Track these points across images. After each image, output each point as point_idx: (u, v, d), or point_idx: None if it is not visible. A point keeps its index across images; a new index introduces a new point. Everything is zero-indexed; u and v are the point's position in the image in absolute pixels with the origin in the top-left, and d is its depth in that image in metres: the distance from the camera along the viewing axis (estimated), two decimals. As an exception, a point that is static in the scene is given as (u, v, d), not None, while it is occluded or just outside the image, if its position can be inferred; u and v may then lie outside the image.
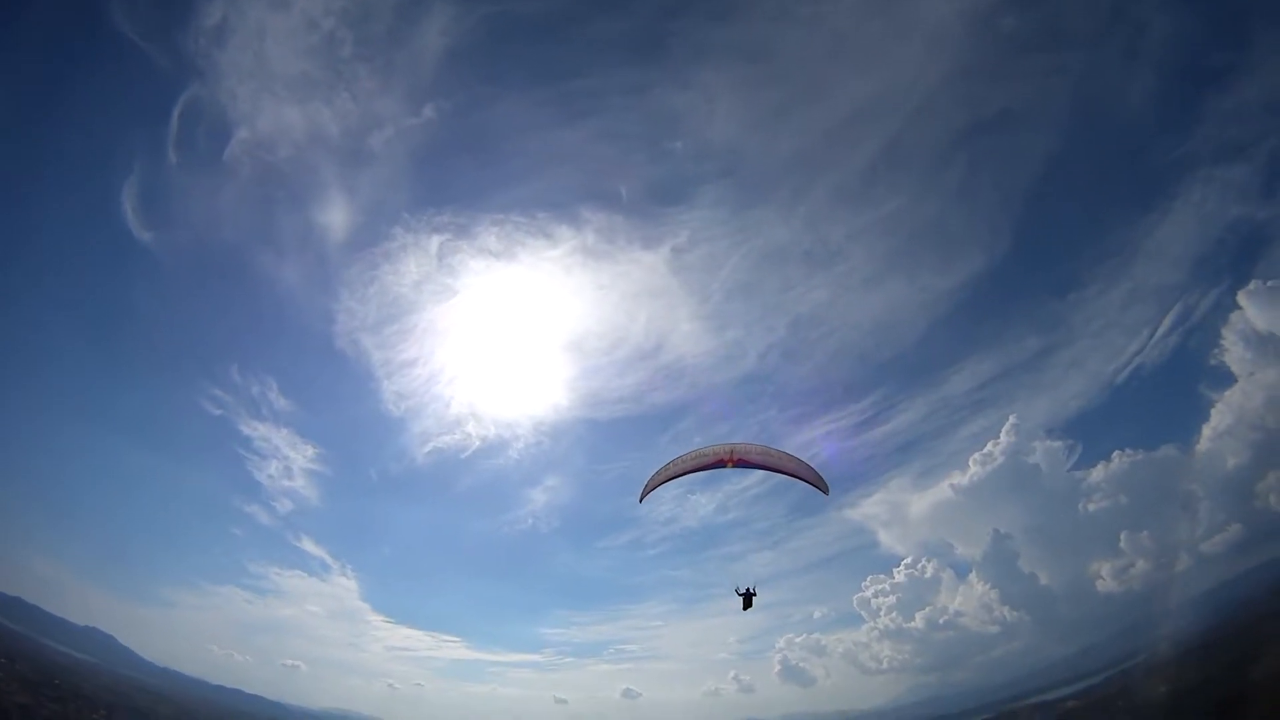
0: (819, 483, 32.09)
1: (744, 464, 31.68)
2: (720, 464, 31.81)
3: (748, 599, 32.88)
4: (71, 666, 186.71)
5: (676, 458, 31.12)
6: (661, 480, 32.06)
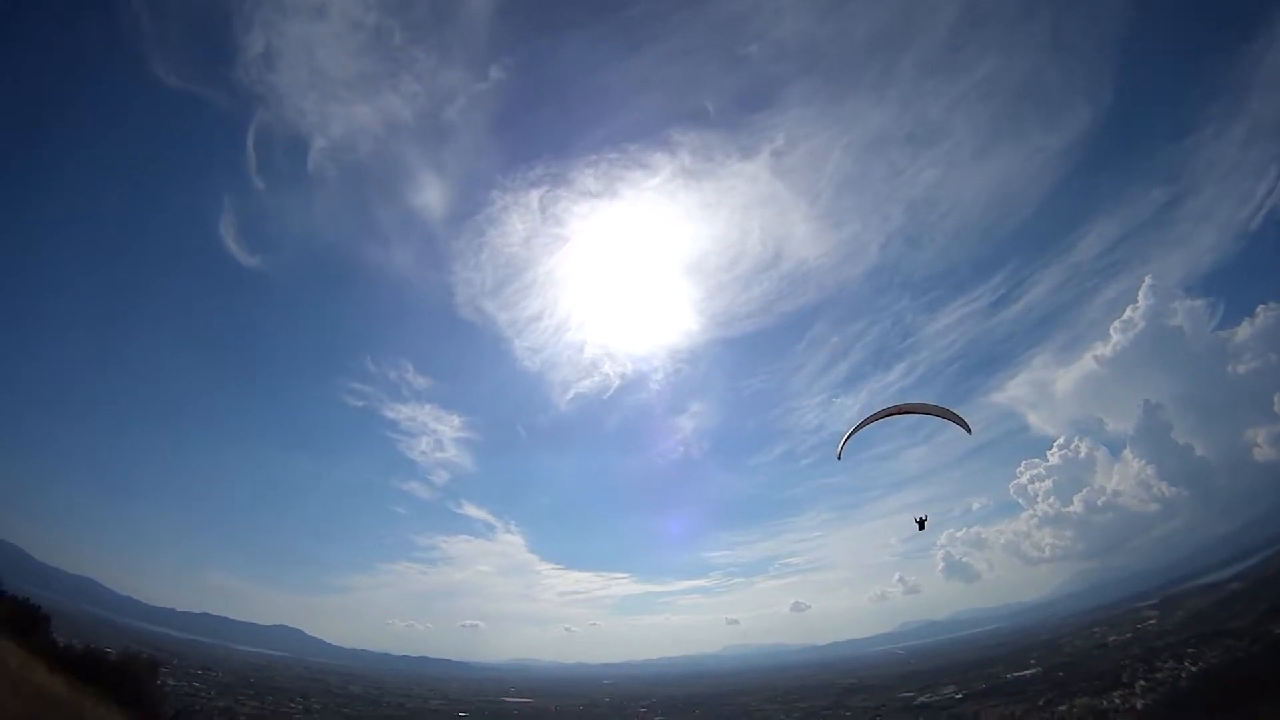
0: (964, 423, 31.89)
1: (907, 412, 32.11)
2: (890, 415, 31.71)
3: (921, 524, 33.88)
4: (264, 664, 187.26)
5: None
6: (849, 435, 31.95)
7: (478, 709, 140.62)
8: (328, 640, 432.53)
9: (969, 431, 32.51)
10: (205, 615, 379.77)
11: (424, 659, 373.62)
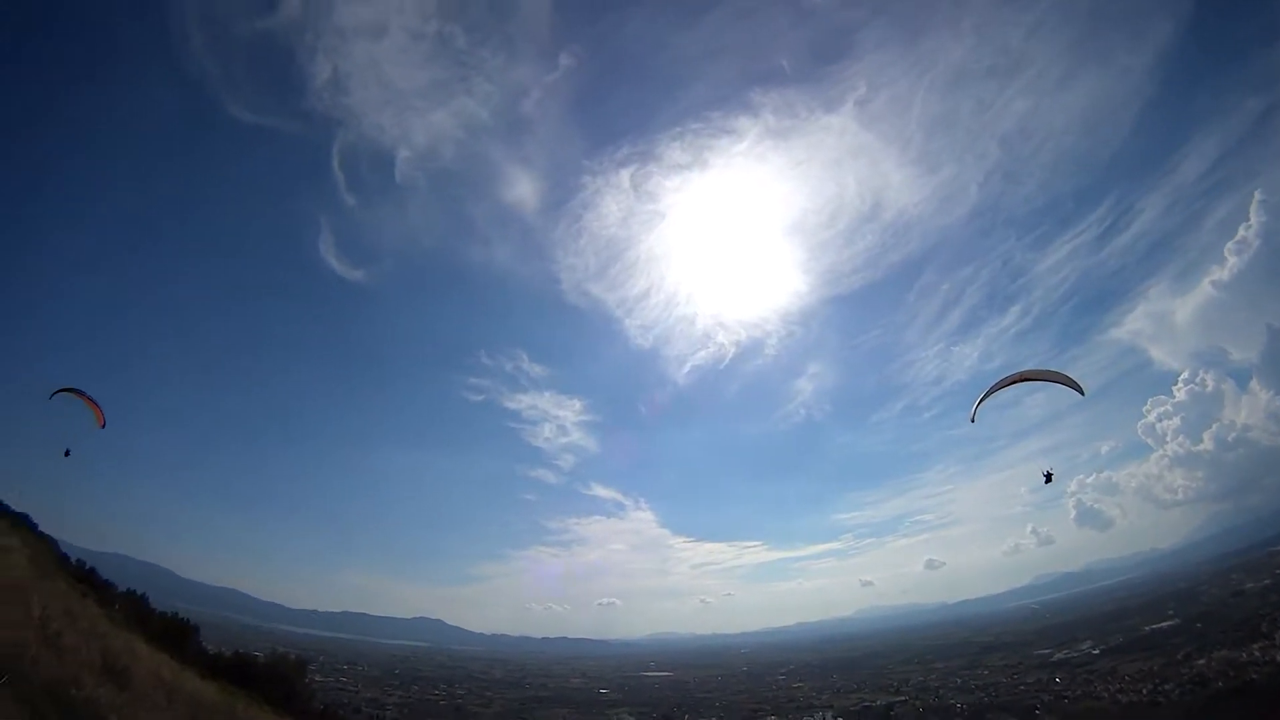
0: (1077, 385, 30.83)
1: (1027, 379, 31.48)
2: (1014, 382, 31.26)
3: (1048, 477, 32.55)
4: (408, 655, 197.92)
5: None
6: (981, 400, 31.54)
7: (618, 684, 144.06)
8: (468, 628, 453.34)
9: (1081, 394, 31.04)
10: (346, 614, 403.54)
11: (563, 639, 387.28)
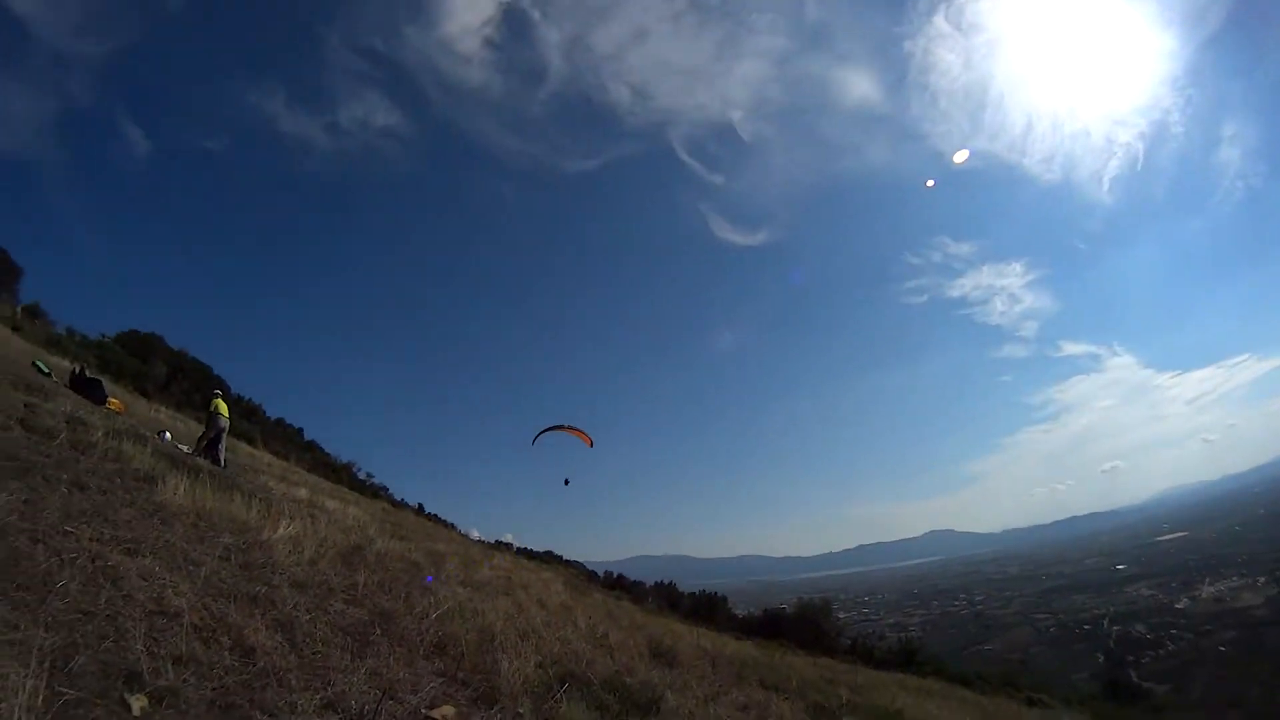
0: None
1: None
2: None
3: None
4: (922, 573, 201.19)
5: None
6: None
7: (1132, 556, 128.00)
8: (978, 530, 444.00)
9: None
10: (860, 547, 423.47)
11: (1071, 519, 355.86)
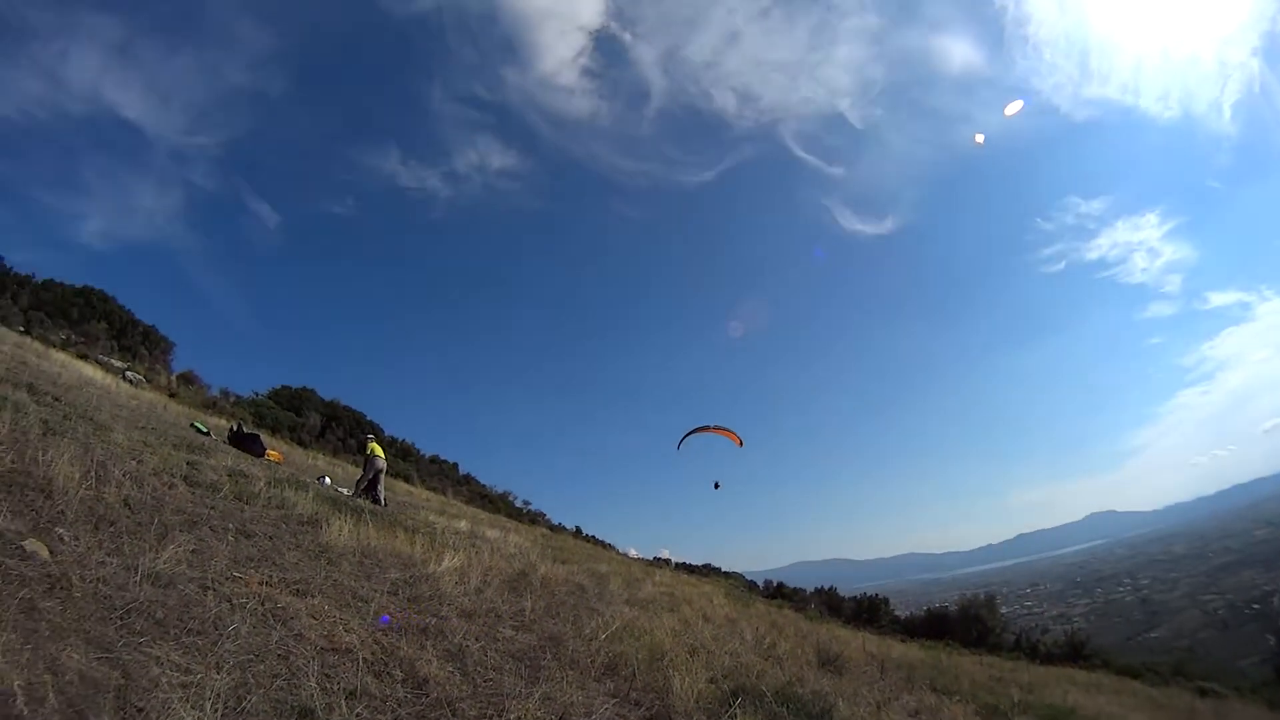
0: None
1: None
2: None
3: None
4: (1085, 559, 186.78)
5: None
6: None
7: None
8: (1140, 509, 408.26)
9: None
10: (1019, 537, 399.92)
11: (1236, 487, 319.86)
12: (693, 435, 22.25)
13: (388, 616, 12.63)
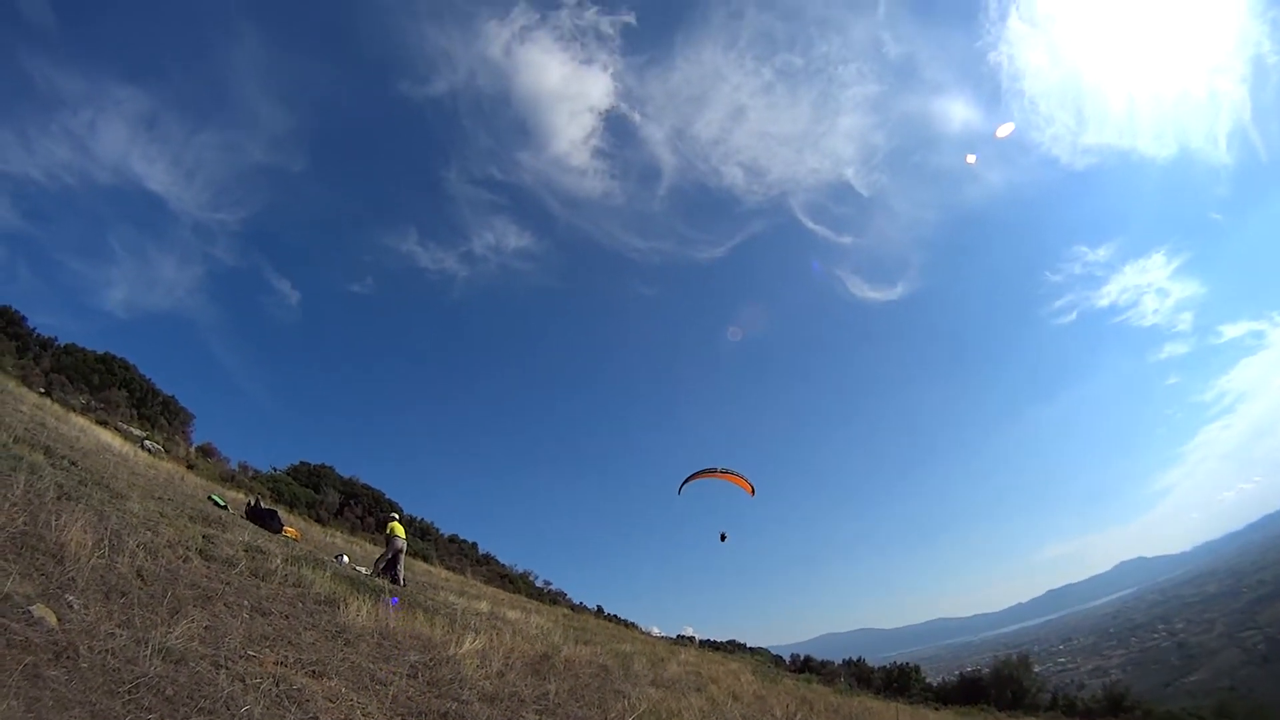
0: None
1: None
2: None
3: None
4: (1117, 609, 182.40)
5: None
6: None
7: None
8: (1169, 552, 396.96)
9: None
10: (1048, 593, 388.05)
11: (1266, 518, 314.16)
12: (697, 479, 20.76)
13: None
